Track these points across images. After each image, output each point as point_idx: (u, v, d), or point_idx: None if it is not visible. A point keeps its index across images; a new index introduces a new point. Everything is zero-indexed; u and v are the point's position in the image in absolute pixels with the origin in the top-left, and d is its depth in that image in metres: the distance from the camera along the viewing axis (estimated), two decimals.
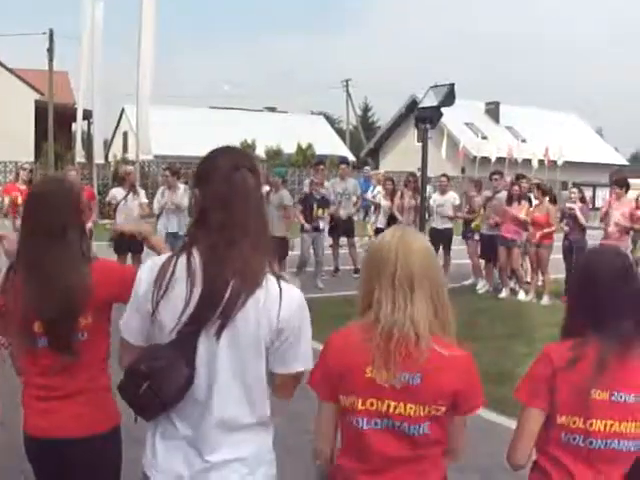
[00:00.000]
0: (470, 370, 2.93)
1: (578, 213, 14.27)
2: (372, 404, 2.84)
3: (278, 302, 2.80)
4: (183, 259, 2.81)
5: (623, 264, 3.16)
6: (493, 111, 58.41)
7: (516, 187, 15.21)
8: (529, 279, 15.50)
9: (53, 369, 3.45)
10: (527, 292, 15.04)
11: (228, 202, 2.81)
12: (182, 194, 14.14)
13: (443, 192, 16.90)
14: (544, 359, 3.12)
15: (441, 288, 2.93)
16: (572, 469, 3.06)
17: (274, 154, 42.94)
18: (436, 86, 10.46)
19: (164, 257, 2.91)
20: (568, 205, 14.75)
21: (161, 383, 2.74)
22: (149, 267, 2.91)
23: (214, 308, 2.74)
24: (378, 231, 17.09)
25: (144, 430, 3.00)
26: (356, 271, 16.48)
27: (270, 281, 2.83)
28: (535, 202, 15.15)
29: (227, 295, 2.73)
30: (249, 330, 2.78)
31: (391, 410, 2.84)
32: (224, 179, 2.84)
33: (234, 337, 2.77)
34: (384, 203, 17.42)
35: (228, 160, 2.90)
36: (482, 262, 16.26)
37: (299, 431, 6.17)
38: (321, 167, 17.31)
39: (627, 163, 63.39)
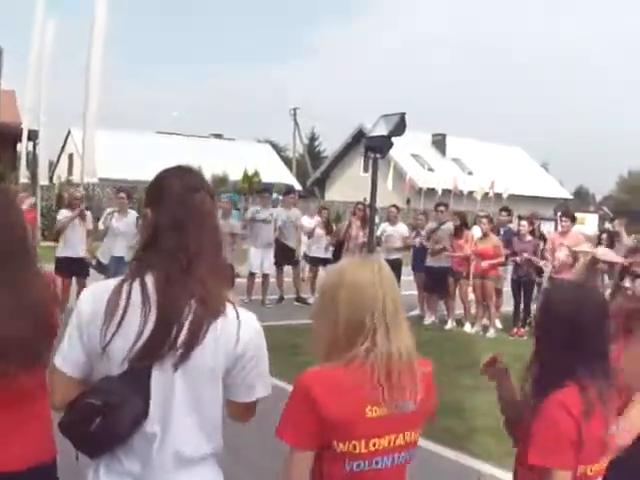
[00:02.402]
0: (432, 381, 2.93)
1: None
2: (375, 444, 2.68)
3: (236, 331, 2.64)
4: (136, 285, 2.61)
5: (603, 301, 3.16)
6: (440, 143, 58.89)
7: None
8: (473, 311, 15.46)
9: None
10: (473, 324, 15.04)
11: (184, 225, 2.64)
12: (133, 220, 13.85)
13: (392, 223, 16.96)
14: (562, 412, 2.97)
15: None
16: None
17: (220, 181, 42.76)
18: (387, 115, 10.37)
19: (109, 283, 2.69)
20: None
21: (115, 419, 2.53)
22: (91, 296, 2.69)
23: (170, 339, 2.55)
24: (313, 260, 17.83)
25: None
26: (298, 299, 16.77)
27: (228, 308, 2.67)
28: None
29: (187, 323, 2.56)
30: (205, 361, 2.60)
31: (391, 444, 2.72)
32: (180, 200, 2.68)
33: (189, 368, 2.59)
34: (319, 232, 17.71)
35: (185, 181, 2.75)
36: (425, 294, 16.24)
37: None
38: (266, 195, 17.68)
39: (571, 197, 64.39)
